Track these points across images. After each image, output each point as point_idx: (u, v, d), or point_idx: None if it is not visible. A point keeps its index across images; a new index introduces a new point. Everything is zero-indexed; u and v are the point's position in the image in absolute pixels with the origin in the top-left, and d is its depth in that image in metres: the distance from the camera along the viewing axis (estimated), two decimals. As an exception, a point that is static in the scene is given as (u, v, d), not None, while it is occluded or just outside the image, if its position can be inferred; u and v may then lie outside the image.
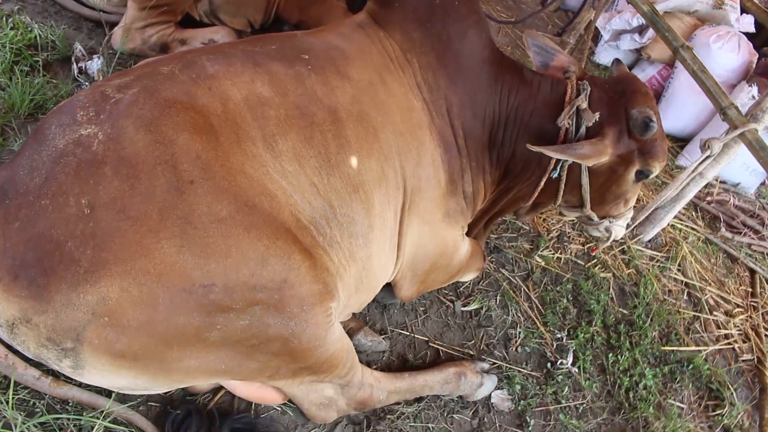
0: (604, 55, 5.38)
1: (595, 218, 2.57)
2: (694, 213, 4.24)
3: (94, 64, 2.73)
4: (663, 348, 3.17)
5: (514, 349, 2.83)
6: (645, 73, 5.11)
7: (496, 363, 2.73)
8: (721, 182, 4.59)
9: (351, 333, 2.43)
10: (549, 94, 2.38)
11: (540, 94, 2.38)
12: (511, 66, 2.39)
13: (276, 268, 1.65)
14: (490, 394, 2.58)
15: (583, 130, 2.27)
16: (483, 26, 2.31)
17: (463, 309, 2.88)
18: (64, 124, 1.64)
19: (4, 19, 2.72)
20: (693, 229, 4.05)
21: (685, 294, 3.61)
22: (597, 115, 2.23)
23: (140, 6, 2.92)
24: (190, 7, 3.20)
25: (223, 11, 3.32)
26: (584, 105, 2.26)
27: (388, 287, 2.47)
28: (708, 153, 3.08)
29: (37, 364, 1.77)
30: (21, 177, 1.58)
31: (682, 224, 4.02)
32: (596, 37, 5.51)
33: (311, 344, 1.80)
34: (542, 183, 2.40)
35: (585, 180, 2.37)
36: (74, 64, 2.72)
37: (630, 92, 2.31)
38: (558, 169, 2.35)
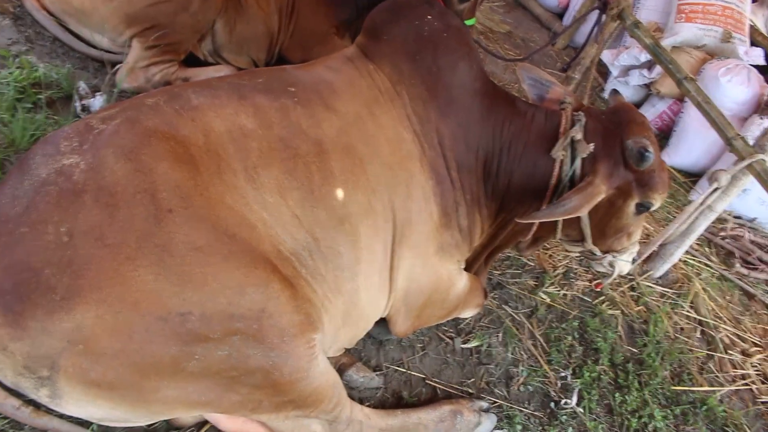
0: (614, 92, 5.37)
1: (598, 253, 2.51)
2: (707, 249, 4.15)
3: (97, 102, 2.79)
4: (674, 388, 3.05)
5: (516, 387, 2.75)
6: (655, 109, 5.09)
7: (496, 402, 2.65)
8: (735, 217, 4.50)
9: (342, 368, 2.39)
10: (543, 125, 2.36)
11: (534, 125, 2.36)
12: (503, 97, 2.39)
13: (254, 297, 1.63)
14: (490, 434, 2.50)
15: (578, 161, 2.25)
16: (473, 58, 2.31)
17: (462, 346, 2.82)
18: (47, 154, 1.66)
19: (11, 59, 2.80)
20: (706, 265, 3.96)
21: (698, 332, 3.50)
22: (591, 146, 2.20)
23: (144, 45, 2.99)
24: (193, 46, 3.27)
25: (227, 50, 3.39)
26: (579, 136, 2.24)
27: (384, 323, 2.43)
28: (716, 185, 3.04)
29: (18, 394, 1.75)
30: (3, 206, 1.59)
31: (694, 260, 3.93)
32: (605, 73, 5.52)
33: (293, 376, 1.76)
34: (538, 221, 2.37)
35: (584, 215, 2.32)
36: (77, 101, 2.77)
37: (625, 122, 2.28)
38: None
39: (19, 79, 2.68)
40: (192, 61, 3.37)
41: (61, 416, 1.83)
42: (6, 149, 2.44)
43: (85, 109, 2.78)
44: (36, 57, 2.91)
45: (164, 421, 2.04)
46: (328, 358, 2.05)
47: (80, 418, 1.78)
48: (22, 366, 1.53)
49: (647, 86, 5.17)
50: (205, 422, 2.08)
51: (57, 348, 1.50)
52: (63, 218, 1.55)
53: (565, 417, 2.70)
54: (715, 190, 3.09)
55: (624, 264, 2.58)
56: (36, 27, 3.09)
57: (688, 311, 3.58)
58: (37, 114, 2.62)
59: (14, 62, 2.77)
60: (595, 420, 2.75)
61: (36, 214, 1.55)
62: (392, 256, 2.16)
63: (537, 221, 2.29)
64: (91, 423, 1.86)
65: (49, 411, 1.81)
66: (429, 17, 2.25)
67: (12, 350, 1.51)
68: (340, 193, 1.95)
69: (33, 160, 1.67)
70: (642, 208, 2.30)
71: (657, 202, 2.30)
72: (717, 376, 3.29)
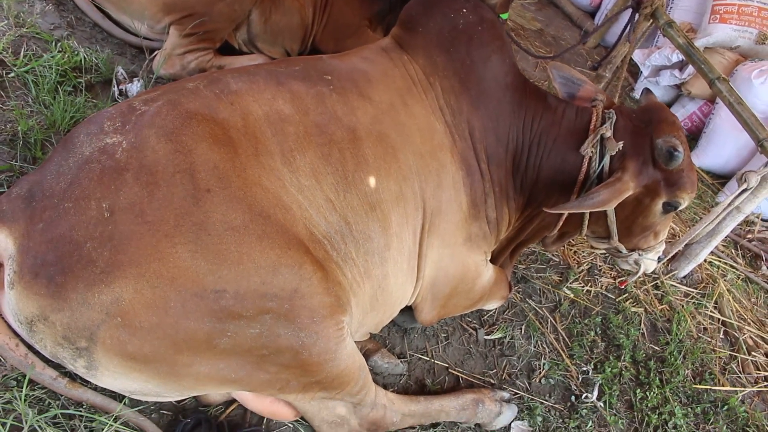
0: (644, 92, 5.34)
1: (624, 250, 2.52)
2: (733, 250, 4.13)
3: (134, 87, 2.85)
4: (695, 387, 3.05)
5: (537, 380, 2.78)
6: (685, 109, 5.06)
7: (517, 393, 2.68)
8: (763, 220, 4.46)
9: (367, 354, 2.43)
10: (573, 121, 2.37)
11: (564, 121, 2.37)
12: (535, 92, 2.40)
13: (287, 277, 1.68)
14: (510, 425, 2.53)
15: (606, 159, 2.25)
16: (507, 52, 2.33)
17: (486, 337, 2.85)
18: (91, 133, 1.72)
19: (54, 43, 2.88)
20: (732, 266, 3.94)
21: (722, 332, 3.49)
22: (620, 144, 2.20)
23: (181, 33, 3.05)
24: (229, 35, 3.33)
25: (261, 40, 3.44)
26: (608, 133, 2.24)
27: (410, 311, 2.47)
28: (744, 186, 3.03)
29: (55, 366, 1.81)
30: (48, 181, 1.65)
31: (720, 261, 3.91)
32: (636, 73, 5.49)
33: (321, 357, 1.81)
34: (566, 212, 2.38)
35: (610, 211, 2.33)
36: (115, 86, 2.84)
37: (656, 121, 2.27)
38: (581, 199, 2.33)
39: (60, 63, 2.75)
40: (227, 49, 3.43)
41: (96, 388, 1.89)
42: (47, 130, 2.51)
43: (123, 93, 2.85)
44: (76, 42, 2.98)
45: (193, 398, 2.10)
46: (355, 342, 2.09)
47: (113, 391, 1.84)
48: (61, 336, 1.59)
49: (678, 87, 5.13)
50: (233, 401, 2.13)
51: (96, 320, 1.55)
52: (105, 194, 1.60)
53: (585, 411, 2.72)
54: (744, 191, 3.07)
55: (650, 262, 2.59)
56: (77, 12, 3.16)
57: (711, 312, 3.56)
58: (77, 97, 2.69)
59: (56, 46, 2.85)
60: (615, 415, 2.76)
61: (79, 190, 1.61)
62: (421, 244, 2.20)
63: (564, 212, 2.30)
64: (124, 396, 1.92)
65: (84, 383, 1.88)
66: (464, 10, 2.28)
67: (53, 320, 1.57)
68: (372, 180, 1.98)
69: (77, 138, 1.73)
70: (669, 207, 2.30)
71: (685, 201, 2.29)
72: (739, 377, 3.28)
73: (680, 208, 2.32)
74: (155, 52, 3.13)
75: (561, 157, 2.35)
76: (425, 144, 2.17)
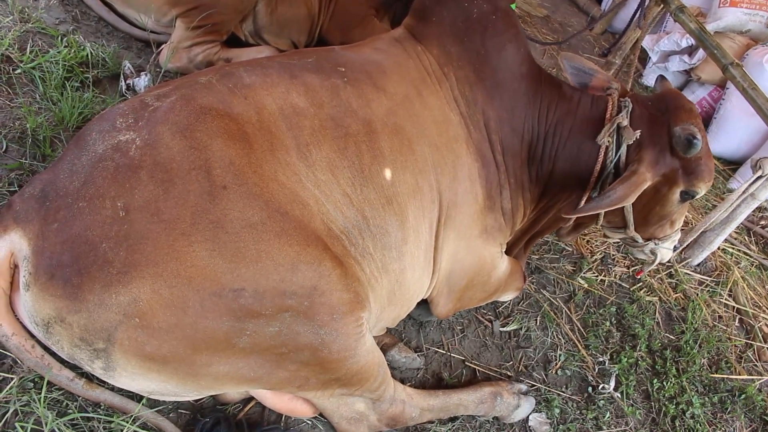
0: (653, 77, 5.30)
1: (640, 240, 2.49)
2: (747, 237, 4.09)
3: (142, 81, 2.82)
4: (712, 375, 3.03)
5: (553, 371, 2.75)
6: (695, 95, 5.01)
7: (534, 385, 2.65)
8: (776, 207, 4.43)
9: (385, 348, 2.41)
10: (589, 110, 2.33)
11: (580, 110, 2.33)
12: (550, 81, 2.36)
13: (306, 274, 1.65)
14: (528, 417, 2.51)
15: (623, 148, 2.21)
16: (521, 41, 2.29)
17: (501, 329, 2.83)
18: (104, 131, 1.69)
19: (60, 38, 2.84)
20: (746, 253, 3.91)
21: (737, 321, 3.46)
22: (638, 133, 2.17)
23: (187, 26, 3.02)
24: (235, 27, 3.29)
25: (268, 32, 3.40)
26: (625, 122, 2.20)
27: (425, 305, 2.44)
28: (759, 173, 2.99)
29: (72, 367, 1.79)
30: (61, 180, 1.63)
31: (733, 248, 3.88)
32: (645, 59, 5.43)
33: (341, 354, 1.78)
34: (582, 203, 2.35)
35: None
36: (122, 80, 2.81)
37: (673, 109, 2.24)
38: (598, 189, 2.30)
39: (67, 58, 2.72)
40: (233, 42, 3.39)
41: (113, 389, 1.87)
42: (55, 127, 2.48)
43: (131, 88, 2.82)
44: (82, 36, 2.95)
45: (211, 397, 2.08)
46: (371, 337, 2.06)
47: (131, 392, 1.82)
48: (78, 338, 1.57)
49: (687, 72, 5.08)
50: (251, 399, 2.11)
51: (113, 321, 1.53)
52: (120, 193, 1.57)
53: (602, 402, 2.70)
54: (759, 177, 3.04)
55: (665, 251, 2.56)
56: (81, 6, 3.13)
57: (726, 300, 3.53)
58: (84, 92, 2.66)
59: (62, 41, 2.81)
60: (632, 405, 2.74)
61: (93, 189, 1.58)
62: (437, 236, 2.17)
63: (586, 214, 2.25)
64: (142, 397, 1.90)
65: (102, 384, 1.86)
66: (477, -1, 2.24)
67: (70, 322, 1.55)
68: (388, 173, 1.95)
69: (90, 136, 1.70)
70: (687, 195, 2.26)
71: (702, 190, 2.25)
72: (756, 365, 3.26)
73: (698, 196, 2.29)
74: (162, 46, 3.10)
75: (577, 147, 2.31)
76: (441, 136, 2.13)
